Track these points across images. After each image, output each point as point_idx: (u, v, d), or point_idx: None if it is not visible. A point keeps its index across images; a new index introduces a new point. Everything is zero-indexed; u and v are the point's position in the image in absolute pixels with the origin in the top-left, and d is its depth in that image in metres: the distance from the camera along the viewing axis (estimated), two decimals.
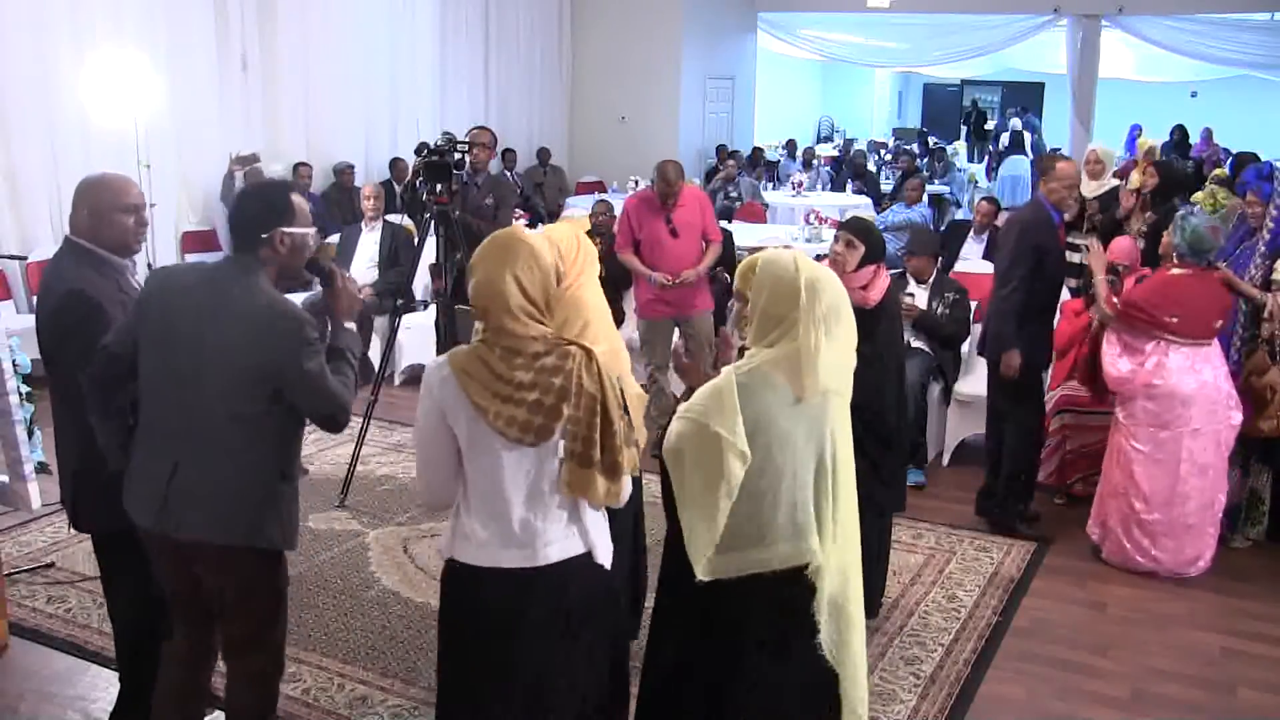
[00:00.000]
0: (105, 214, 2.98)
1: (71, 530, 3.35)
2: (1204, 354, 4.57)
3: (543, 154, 12.91)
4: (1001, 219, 8.22)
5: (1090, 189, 6.57)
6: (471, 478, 2.44)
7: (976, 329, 5.72)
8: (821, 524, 2.56)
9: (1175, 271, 4.58)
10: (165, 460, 2.64)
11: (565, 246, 3.04)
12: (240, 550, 2.68)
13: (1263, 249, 4.96)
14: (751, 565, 2.53)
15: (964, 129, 21.04)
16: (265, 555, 2.73)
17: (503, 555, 2.43)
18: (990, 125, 20.55)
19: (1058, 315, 5.24)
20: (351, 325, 2.85)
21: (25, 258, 6.71)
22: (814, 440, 2.54)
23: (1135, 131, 16.04)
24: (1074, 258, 5.93)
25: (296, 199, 2.73)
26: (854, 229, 4.06)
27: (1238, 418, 4.59)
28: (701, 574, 2.51)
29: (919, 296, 5.88)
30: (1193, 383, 4.51)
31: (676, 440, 2.50)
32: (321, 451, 6.03)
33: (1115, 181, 6.82)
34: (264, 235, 2.64)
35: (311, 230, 2.76)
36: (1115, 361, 4.66)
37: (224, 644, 2.91)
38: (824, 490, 2.57)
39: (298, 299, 2.85)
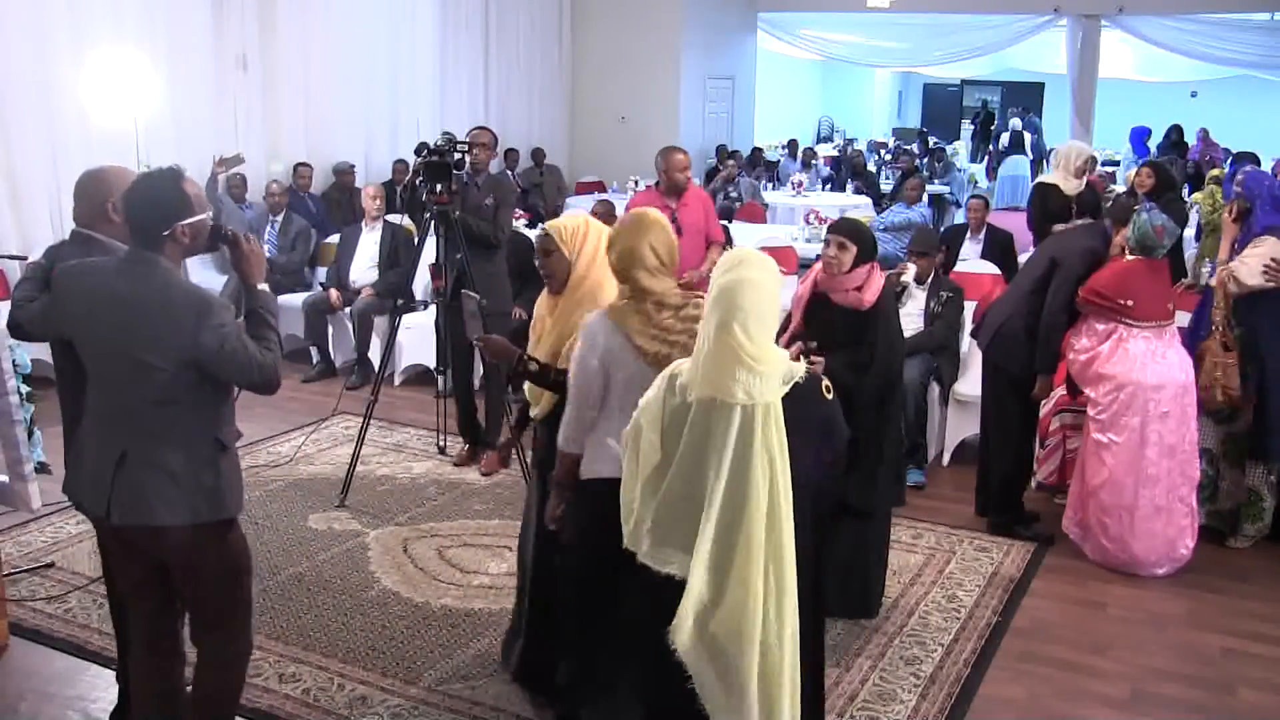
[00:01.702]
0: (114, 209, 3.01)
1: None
2: (1167, 339, 4.68)
3: (538, 154, 12.87)
4: (997, 218, 8.21)
5: (1071, 187, 6.59)
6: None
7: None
8: (725, 550, 2.42)
9: (1129, 259, 4.72)
10: (112, 449, 2.71)
11: (569, 233, 3.27)
12: (197, 527, 2.75)
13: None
14: (661, 563, 2.53)
15: (972, 129, 21.02)
16: (219, 525, 2.81)
17: None
18: (993, 125, 20.56)
19: None
20: (264, 286, 2.91)
21: (25, 258, 6.68)
22: (719, 454, 2.43)
23: (1144, 135, 16.00)
24: None
25: (189, 187, 2.75)
26: (845, 230, 4.05)
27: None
28: (628, 541, 2.60)
29: (918, 297, 5.89)
30: (1159, 369, 4.61)
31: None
32: (321, 451, 6.04)
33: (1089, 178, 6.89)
34: (165, 232, 2.70)
35: (208, 213, 2.82)
36: (1073, 341, 4.78)
37: (191, 624, 2.96)
38: (736, 518, 2.42)
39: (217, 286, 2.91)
